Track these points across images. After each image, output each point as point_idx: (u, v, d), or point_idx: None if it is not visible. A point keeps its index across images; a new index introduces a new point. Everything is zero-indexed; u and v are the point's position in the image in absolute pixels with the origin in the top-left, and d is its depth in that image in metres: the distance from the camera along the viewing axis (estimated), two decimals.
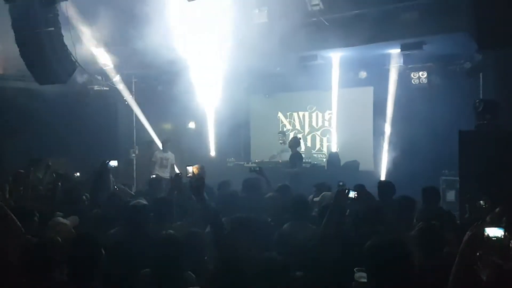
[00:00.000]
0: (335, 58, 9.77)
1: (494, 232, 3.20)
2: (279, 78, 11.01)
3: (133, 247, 3.61)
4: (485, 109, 6.08)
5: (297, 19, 8.21)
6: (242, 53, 8.99)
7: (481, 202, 4.51)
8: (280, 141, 10.71)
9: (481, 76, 8.03)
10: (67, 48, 7.64)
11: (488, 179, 5.40)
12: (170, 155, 10.33)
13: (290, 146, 9.92)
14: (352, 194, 4.52)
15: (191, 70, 11.07)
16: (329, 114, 11.42)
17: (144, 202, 4.51)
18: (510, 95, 6.54)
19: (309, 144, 12.01)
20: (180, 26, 8.88)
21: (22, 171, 6.12)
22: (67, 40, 7.21)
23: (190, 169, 6.02)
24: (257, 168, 6.42)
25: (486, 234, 3.20)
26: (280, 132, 11.16)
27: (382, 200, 5.09)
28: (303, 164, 9.87)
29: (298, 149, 9.70)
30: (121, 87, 10.56)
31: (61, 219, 3.85)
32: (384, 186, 5.42)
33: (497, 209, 3.85)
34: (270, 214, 4.94)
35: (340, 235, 3.70)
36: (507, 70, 6.91)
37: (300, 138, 10.40)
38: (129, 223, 4.01)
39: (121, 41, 9.14)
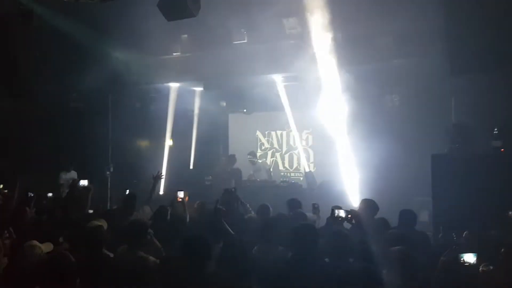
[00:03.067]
0: (311, 79, 9.91)
1: (468, 257, 3.32)
2: (257, 97, 11.11)
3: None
4: (457, 133, 6.27)
5: (275, 40, 8.36)
6: (222, 72, 9.08)
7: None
8: (250, 161, 11.12)
9: (453, 100, 8.27)
10: (42, 65, 7.57)
11: (460, 201, 5.54)
12: (74, 174, 10.01)
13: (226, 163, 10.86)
14: (342, 213, 4.54)
15: (169, 87, 11.13)
16: (306, 133, 11.58)
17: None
18: (481, 119, 6.75)
19: (286, 163, 12.08)
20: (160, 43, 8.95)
21: None
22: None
23: (181, 194, 5.98)
24: (232, 189, 6.36)
25: (461, 259, 3.31)
26: (250, 153, 11.30)
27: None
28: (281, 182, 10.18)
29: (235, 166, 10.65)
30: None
31: (36, 242, 3.75)
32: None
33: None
34: (248, 235, 4.89)
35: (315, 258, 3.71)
36: (479, 94, 7.14)
37: (234, 155, 11.09)
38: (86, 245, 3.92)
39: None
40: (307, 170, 10.61)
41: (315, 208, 5.55)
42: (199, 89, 11.43)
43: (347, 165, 9.90)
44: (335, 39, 8.13)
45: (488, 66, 6.39)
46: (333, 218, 4.77)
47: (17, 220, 4.82)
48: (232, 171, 10.46)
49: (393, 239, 4.14)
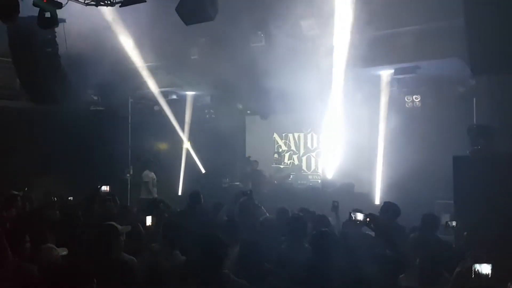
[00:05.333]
0: (329, 81, 9.84)
1: (483, 268, 3.22)
2: (275, 99, 11.07)
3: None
4: (478, 134, 6.13)
5: (293, 42, 8.32)
6: (239, 74, 9.08)
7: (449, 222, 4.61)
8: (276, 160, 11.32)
9: (474, 101, 8.10)
10: (64, 69, 7.68)
11: (483, 204, 5.41)
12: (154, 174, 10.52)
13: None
14: (360, 216, 4.48)
15: (187, 90, 11.18)
16: (324, 135, 11.53)
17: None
18: (503, 120, 6.59)
19: (304, 165, 12.01)
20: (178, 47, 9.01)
21: (15, 192, 6.07)
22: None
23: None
24: (248, 192, 6.35)
25: (475, 269, 3.22)
26: (277, 153, 11.33)
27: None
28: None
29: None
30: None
31: (51, 245, 3.80)
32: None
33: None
34: (266, 236, 4.87)
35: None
36: (500, 95, 6.98)
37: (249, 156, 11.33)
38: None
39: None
40: (328, 171, 10.53)
41: (335, 207, 5.48)
42: (216, 91, 11.46)
43: (368, 167, 9.80)
44: (354, 39, 8.05)
45: (510, 66, 6.23)
46: (351, 222, 4.70)
47: (35, 223, 4.87)
48: (253, 174, 10.38)
49: (413, 244, 4.09)
